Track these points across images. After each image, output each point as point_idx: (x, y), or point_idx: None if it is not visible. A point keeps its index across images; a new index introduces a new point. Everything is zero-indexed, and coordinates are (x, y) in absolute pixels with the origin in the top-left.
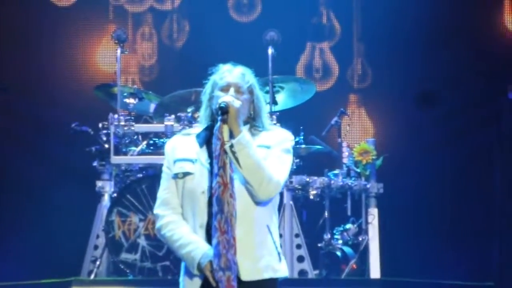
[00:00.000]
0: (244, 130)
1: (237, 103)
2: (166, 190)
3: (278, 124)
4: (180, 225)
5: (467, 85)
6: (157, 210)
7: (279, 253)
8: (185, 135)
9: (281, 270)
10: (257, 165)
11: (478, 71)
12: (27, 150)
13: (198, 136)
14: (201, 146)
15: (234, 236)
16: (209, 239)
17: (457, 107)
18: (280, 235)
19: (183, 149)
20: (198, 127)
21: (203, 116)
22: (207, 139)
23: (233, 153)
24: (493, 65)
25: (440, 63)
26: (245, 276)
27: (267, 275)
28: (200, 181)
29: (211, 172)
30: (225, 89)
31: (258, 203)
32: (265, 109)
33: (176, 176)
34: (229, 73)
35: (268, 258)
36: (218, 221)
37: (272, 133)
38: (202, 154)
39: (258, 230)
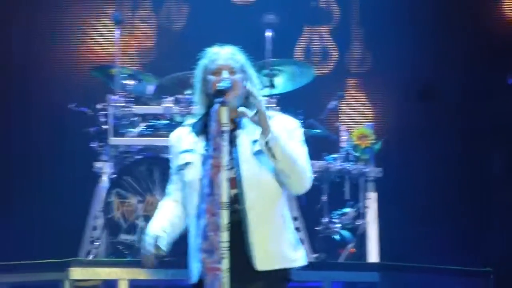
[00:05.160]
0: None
1: (262, 105)
2: (170, 183)
3: (278, 108)
4: (160, 208)
5: (466, 71)
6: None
7: (295, 243)
8: (185, 126)
9: (297, 260)
10: (293, 157)
11: (478, 57)
12: (25, 130)
13: (194, 125)
14: (198, 134)
15: (223, 221)
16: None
17: (457, 92)
18: (296, 218)
19: (184, 140)
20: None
21: (198, 102)
22: (203, 127)
23: (269, 149)
24: (493, 51)
25: (440, 47)
26: (259, 266)
27: (279, 266)
28: (198, 169)
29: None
30: (216, 72)
31: (272, 193)
32: (260, 87)
33: (179, 168)
34: (219, 55)
35: (283, 247)
36: (208, 203)
37: (279, 122)
38: (199, 143)
39: (274, 220)
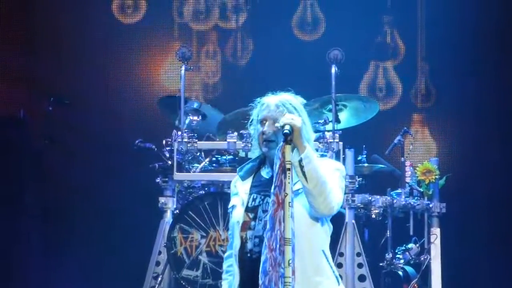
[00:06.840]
0: (307, 145)
1: (298, 121)
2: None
3: (340, 143)
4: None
5: None
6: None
7: (337, 277)
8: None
9: None
10: (322, 178)
11: None
12: (91, 165)
13: (240, 169)
14: (243, 178)
15: (282, 255)
16: (240, 266)
17: None
18: (342, 254)
19: (237, 183)
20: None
21: (254, 145)
22: (253, 170)
23: (301, 167)
24: None
25: (505, 82)
26: None
27: None
28: (238, 212)
29: (247, 201)
30: (262, 122)
31: (312, 228)
32: (312, 135)
33: (229, 211)
34: (266, 105)
35: (326, 282)
36: (268, 238)
37: (325, 162)
38: (244, 185)
39: (314, 255)
